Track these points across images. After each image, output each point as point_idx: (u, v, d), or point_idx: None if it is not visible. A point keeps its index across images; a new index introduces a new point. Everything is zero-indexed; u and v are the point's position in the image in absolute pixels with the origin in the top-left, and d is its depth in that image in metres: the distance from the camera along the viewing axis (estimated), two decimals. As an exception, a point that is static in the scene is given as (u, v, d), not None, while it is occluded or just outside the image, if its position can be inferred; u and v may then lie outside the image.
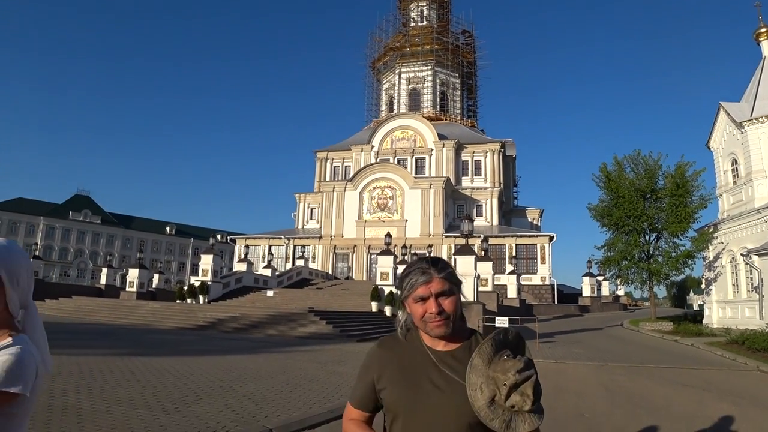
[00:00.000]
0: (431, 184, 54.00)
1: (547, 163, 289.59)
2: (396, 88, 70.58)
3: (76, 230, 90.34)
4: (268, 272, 42.96)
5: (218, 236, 45.43)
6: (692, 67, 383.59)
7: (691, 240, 28.51)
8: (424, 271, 1.74)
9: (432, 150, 60.35)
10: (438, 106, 68.54)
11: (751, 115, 26.34)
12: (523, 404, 1.54)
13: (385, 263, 31.53)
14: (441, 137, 60.18)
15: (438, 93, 69.48)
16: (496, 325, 18.62)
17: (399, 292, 1.91)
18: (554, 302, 49.03)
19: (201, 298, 32.98)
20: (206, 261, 35.56)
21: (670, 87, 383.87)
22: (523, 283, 45.67)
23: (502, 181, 60.30)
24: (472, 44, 71.84)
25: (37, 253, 48.71)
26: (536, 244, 51.26)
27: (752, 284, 25.32)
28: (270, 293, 33.68)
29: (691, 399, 9.84)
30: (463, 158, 60.94)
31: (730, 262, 27.40)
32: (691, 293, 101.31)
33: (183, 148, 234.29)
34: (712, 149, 29.97)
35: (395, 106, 69.82)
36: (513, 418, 1.57)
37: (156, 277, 46.21)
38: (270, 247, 55.28)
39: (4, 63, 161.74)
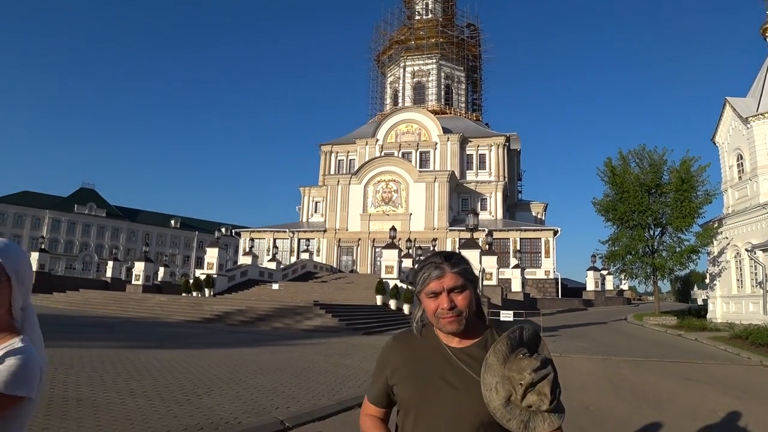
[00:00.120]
0: (436, 178, 54.06)
1: (552, 157, 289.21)
2: (401, 81, 70.53)
3: (82, 223, 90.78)
4: (273, 265, 43.17)
5: (223, 229, 45.72)
6: (697, 62, 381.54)
7: (696, 235, 28.50)
8: (438, 266, 1.71)
9: (436, 144, 60.37)
10: (443, 100, 68.52)
11: (757, 111, 26.28)
12: (541, 404, 1.51)
13: (389, 257, 31.65)
14: (446, 131, 60.18)
15: (443, 86, 69.42)
16: (501, 319, 18.73)
17: (410, 287, 1.92)
18: (558, 296, 49.16)
19: (207, 291, 33.22)
20: (212, 254, 35.79)
21: (676, 82, 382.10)
22: (527, 277, 45.79)
23: (506, 175, 60.34)
24: (477, 38, 71.67)
25: (43, 247, 49.00)
26: (540, 238, 51.35)
27: (756, 279, 25.36)
28: (275, 286, 33.87)
29: (695, 393, 9.95)
30: (468, 152, 60.95)
31: (735, 257, 27.41)
32: (696, 288, 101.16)
33: (188, 142, 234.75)
34: (717, 144, 29.92)
35: (400, 100, 69.80)
36: (531, 418, 1.54)
37: (161, 270, 46.54)
38: (275, 240, 55.56)
39: (9, 56, 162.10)
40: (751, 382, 11.54)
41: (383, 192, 55.23)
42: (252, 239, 51.88)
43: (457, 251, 1.97)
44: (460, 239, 49.30)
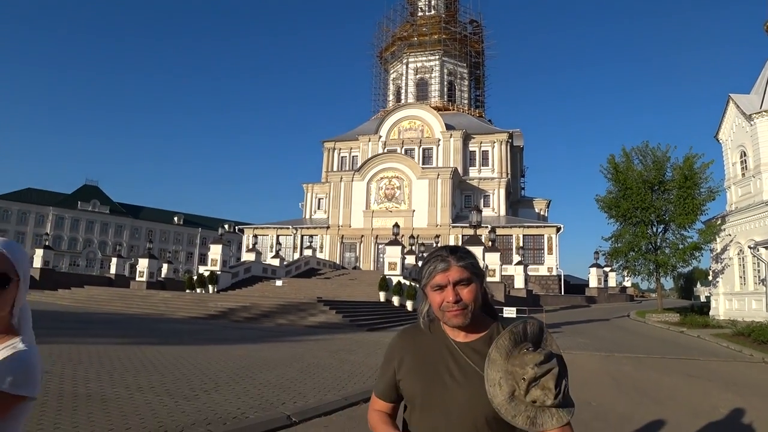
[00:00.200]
0: (438, 175, 54.11)
1: (555, 154, 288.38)
2: (403, 77, 70.50)
3: (85, 220, 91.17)
4: (276, 262, 43.30)
5: (226, 226, 45.79)
6: (700, 58, 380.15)
7: (699, 232, 28.54)
8: (443, 259, 1.70)
9: (439, 140, 60.40)
10: (445, 96, 68.49)
11: (760, 108, 26.23)
12: (545, 399, 1.48)
13: (393, 253, 31.72)
14: (448, 127, 60.18)
15: (445, 83, 69.38)
16: (504, 315, 18.79)
17: (414, 283, 1.93)
18: (561, 293, 49.24)
19: (210, 287, 33.36)
20: (215, 251, 35.94)
21: (679, 79, 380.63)
22: (530, 273, 45.83)
23: (509, 172, 60.37)
24: (479, 34, 71.56)
25: (47, 244, 49.20)
26: (543, 235, 51.40)
27: (759, 277, 25.37)
28: (279, 283, 34.00)
29: (697, 389, 10.03)
30: (471, 148, 60.97)
31: (738, 254, 27.42)
32: (699, 285, 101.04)
33: (191, 138, 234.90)
34: (720, 141, 29.88)
35: (402, 96, 69.77)
36: (538, 414, 1.51)
37: (165, 266, 46.72)
38: (278, 236, 55.68)
39: (10, 54, 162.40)
40: (754, 379, 11.61)
41: (386, 188, 55.32)
42: (255, 236, 52.13)
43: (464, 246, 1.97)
44: (463, 236, 49.45)
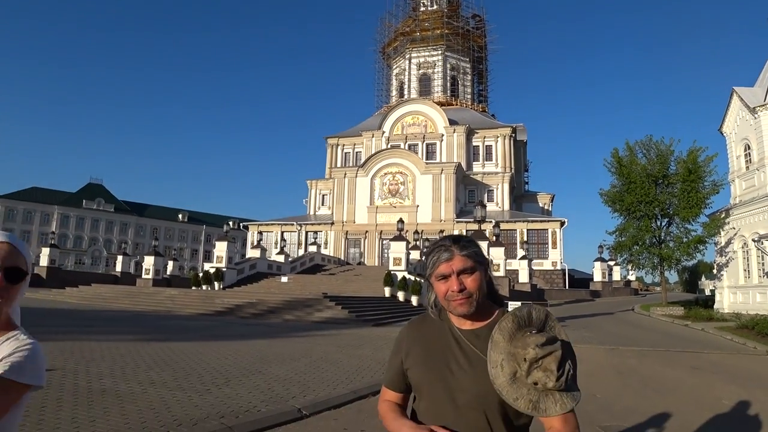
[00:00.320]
0: (442, 170, 54.16)
1: (559, 148, 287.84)
2: (406, 73, 70.49)
3: (90, 218, 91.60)
4: (281, 258, 43.47)
5: (230, 223, 45.99)
6: (703, 52, 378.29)
7: (703, 225, 28.57)
8: (447, 249, 1.72)
9: (443, 135, 60.42)
10: (448, 91, 68.44)
11: (764, 100, 26.23)
12: (547, 380, 1.46)
13: (397, 249, 31.83)
14: (452, 122, 60.18)
15: (448, 78, 69.32)
16: (509, 309, 18.89)
17: (418, 278, 1.98)
18: (565, 287, 49.27)
19: (216, 284, 33.56)
20: (220, 248, 36.09)
21: (683, 73, 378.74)
22: (534, 268, 45.84)
23: (513, 166, 60.36)
24: (482, 28, 71.47)
25: (53, 242, 49.54)
26: (547, 229, 51.44)
27: (763, 270, 25.43)
28: (284, 279, 34.18)
29: (701, 381, 10.12)
30: (474, 143, 61.00)
31: (742, 247, 27.46)
32: (703, 278, 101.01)
33: (194, 137, 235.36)
34: (724, 134, 29.89)
35: (406, 92, 69.79)
36: (541, 398, 1.49)
37: (170, 264, 46.96)
38: (282, 233, 55.86)
39: (16, 54, 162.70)
40: (757, 372, 11.68)
41: (390, 184, 55.41)
42: (260, 232, 52.31)
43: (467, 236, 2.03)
44: (467, 231, 49.44)
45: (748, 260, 26.94)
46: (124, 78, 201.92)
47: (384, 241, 51.42)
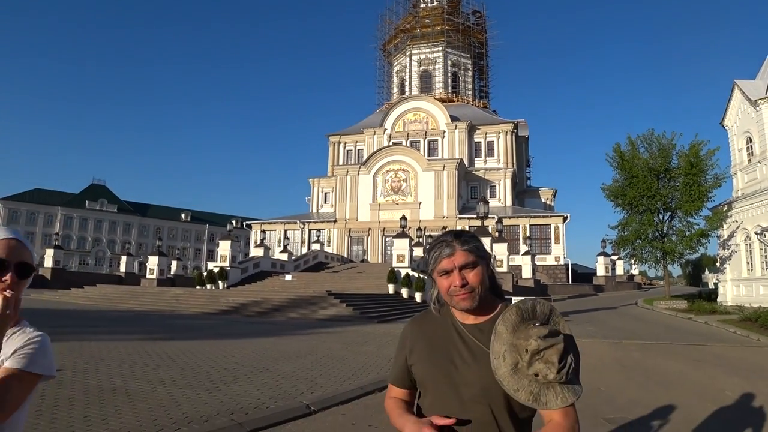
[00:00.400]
0: (444, 166, 54.22)
1: (561, 143, 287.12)
2: (407, 70, 70.48)
3: (93, 219, 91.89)
4: (284, 257, 43.62)
5: (233, 222, 46.15)
6: (705, 46, 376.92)
7: (705, 219, 28.60)
8: (448, 244, 1.72)
9: (444, 132, 60.45)
10: (449, 88, 68.42)
11: (766, 93, 26.15)
12: (548, 372, 1.47)
13: (400, 246, 31.95)
14: (453, 119, 60.21)
15: (449, 74, 69.29)
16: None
17: (422, 275, 2.00)
18: (569, 282, 49.38)
19: (220, 283, 33.70)
20: (224, 247, 36.24)
21: (685, 66, 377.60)
22: (537, 263, 45.97)
23: (515, 162, 60.39)
24: (483, 24, 71.36)
25: (57, 243, 49.76)
26: (550, 225, 51.50)
27: (766, 262, 25.46)
28: (288, 277, 34.29)
29: (704, 374, 10.18)
30: (476, 139, 61.02)
31: (745, 240, 27.47)
32: (707, 272, 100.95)
33: (195, 136, 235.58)
34: (726, 127, 29.85)
35: (407, 89, 69.79)
36: (542, 391, 1.50)
37: (174, 263, 47.15)
38: (285, 231, 56.02)
39: (18, 55, 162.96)
40: (760, 364, 11.74)
41: (392, 181, 55.50)
42: (263, 231, 52.48)
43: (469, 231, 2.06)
44: (470, 227, 49.46)
45: (750, 253, 26.96)
46: (124, 76, 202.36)
47: (387, 239, 51.53)
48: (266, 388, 7.69)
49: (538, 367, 1.48)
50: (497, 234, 34.65)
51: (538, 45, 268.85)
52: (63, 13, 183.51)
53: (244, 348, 11.96)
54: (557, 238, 50.88)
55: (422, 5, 71.94)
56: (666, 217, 29.72)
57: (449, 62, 69.33)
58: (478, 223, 32.86)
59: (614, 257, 54.14)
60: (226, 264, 35.26)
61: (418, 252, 35.64)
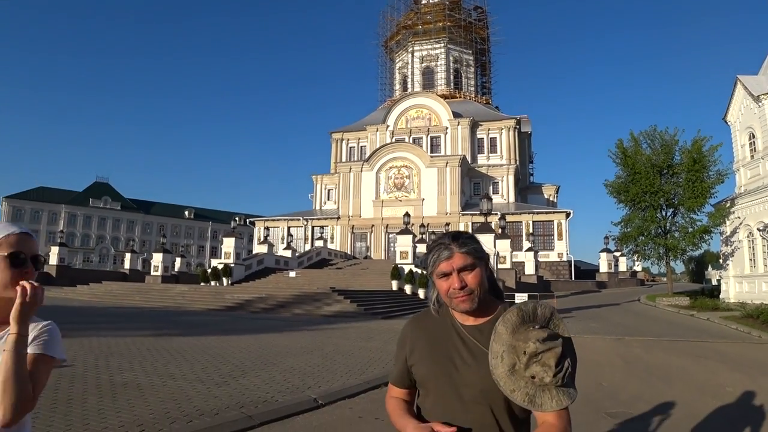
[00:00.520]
0: (447, 163, 54.25)
1: (563, 139, 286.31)
2: (409, 66, 70.40)
3: (97, 217, 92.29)
4: (288, 253, 43.76)
5: (237, 219, 46.31)
6: (708, 38, 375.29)
7: (708, 215, 28.62)
8: (446, 247, 1.73)
9: (447, 128, 60.46)
10: (452, 84, 68.31)
11: (768, 89, 26.25)
12: (544, 375, 1.49)
13: (404, 242, 32.05)
14: (456, 115, 60.21)
15: (451, 70, 69.19)
16: (516, 301, 19.09)
17: (425, 272, 2.09)
18: (571, 278, 49.39)
19: (225, 280, 33.88)
20: (228, 244, 36.38)
21: (686, 60, 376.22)
22: (540, 259, 45.96)
23: (517, 158, 60.40)
24: (485, 20, 71.14)
25: (62, 241, 50.04)
26: (553, 221, 51.50)
27: (770, 258, 25.53)
28: (292, 274, 34.43)
29: (705, 369, 10.29)
30: (479, 136, 61.00)
31: (747, 236, 27.51)
32: (710, 268, 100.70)
33: (197, 134, 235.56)
34: (729, 123, 29.87)
35: (409, 85, 69.74)
36: (538, 393, 1.52)
37: (178, 260, 47.33)
38: (289, 228, 56.20)
39: (19, 52, 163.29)
40: (762, 360, 11.83)
41: (395, 178, 55.57)
42: (267, 228, 52.55)
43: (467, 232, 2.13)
44: (472, 223, 49.69)
45: (753, 249, 27.01)
46: (126, 72, 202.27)
47: (390, 235, 51.66)
48: (274, 383, 7.84)
49: (535, 370, 1.51)
50: (500, 230, 34.69)
51: (540, 40, 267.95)
52: (66, 8, 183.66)
53: (250, 343, 12.12)
54: (560, 235, 50.90)
55: (423, 1, 71.70)
56: (669, 214, 29.75)
57: (451, 58, 69.24)
58: (481, 219, 32.96)
59: (617, 254, 54.18)
60: (230, 261, 35.40)
61: (421, 248, 35.69)
